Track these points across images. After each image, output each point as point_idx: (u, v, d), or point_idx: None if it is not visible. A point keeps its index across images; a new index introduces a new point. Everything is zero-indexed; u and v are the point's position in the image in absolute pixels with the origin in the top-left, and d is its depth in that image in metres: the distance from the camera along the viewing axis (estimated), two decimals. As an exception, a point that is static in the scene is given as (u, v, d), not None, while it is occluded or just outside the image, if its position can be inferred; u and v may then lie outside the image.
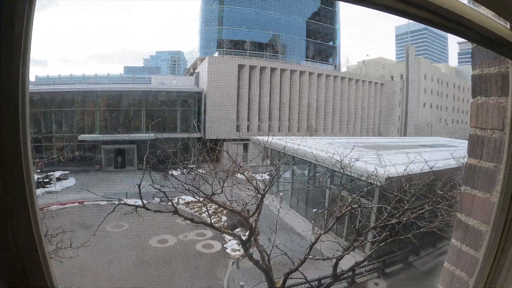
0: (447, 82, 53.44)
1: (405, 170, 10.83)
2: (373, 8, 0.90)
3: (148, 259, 13.84)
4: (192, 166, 11.93)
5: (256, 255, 8.91)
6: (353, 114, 43.74)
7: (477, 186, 1.44)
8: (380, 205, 10.31)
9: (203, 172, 10.12)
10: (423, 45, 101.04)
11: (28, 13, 0.62)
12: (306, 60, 44.77)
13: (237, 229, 15.02)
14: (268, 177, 19.77)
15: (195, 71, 39.94)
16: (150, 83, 37.84)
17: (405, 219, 9.10)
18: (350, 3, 0.87)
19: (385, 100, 46.47)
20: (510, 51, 1.12)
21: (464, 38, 1.05)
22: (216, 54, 40.31)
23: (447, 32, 1.00)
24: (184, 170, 11.20)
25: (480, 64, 1.41)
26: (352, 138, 32.90)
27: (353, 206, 9.25)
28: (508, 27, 1.06)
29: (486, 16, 0.99)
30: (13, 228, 0.71)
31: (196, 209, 18.99)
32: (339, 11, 48.99)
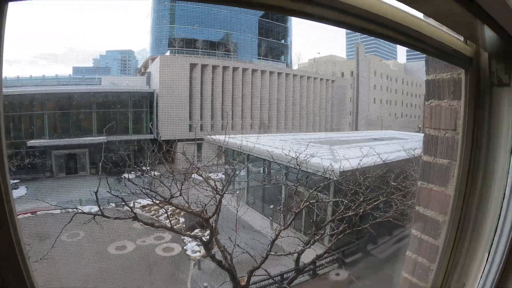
0: (396, 78, 56.19)
1: (358, 163, 11.24)
2: (331, 25, 0.93)
3: (108, 267, 13.36)
4: (147, 168, 11.71)
5: (219, 255, 8.93)
6: (306, 110, 44.55)
7: (432, 180, 1.59)
8: (337, 199, 10.66)
9: (159, 174, 9.99)
10: (373, 43, 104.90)
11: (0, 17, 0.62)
12: (259, 58, 45.08)
13: (196, 230, 14.97)
14: (223, 176, 19.79)
15: (147, 70, 38.98)
16: (100, 84, 36.35)
17: (361, 210, 9.48)
18: (306, 19, 0.89)
19: (336, 96, 47.80)
20: (464, 61, 1.26)
21: (424, 53, 1.18)
22: (167, 53, 39.57)
23: (408, 48, 1.11)
24: (139, 173, 10.96)
25: (433, 70, 1.55)
26: (305, 134, 33.55)
27: (311, 201, 9.50)
28: (462, 39, 1.20)
29: (442, 30, 1.11)
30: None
31: (153, 212, 18.64)
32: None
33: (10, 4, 0.63)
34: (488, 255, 1.30)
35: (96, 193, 7.16)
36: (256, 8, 0.85)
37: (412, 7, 0.94)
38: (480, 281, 1.33)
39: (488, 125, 1.31)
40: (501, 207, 1.27)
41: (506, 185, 1.25)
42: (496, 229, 1.28)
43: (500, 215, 1.27)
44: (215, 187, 9.22)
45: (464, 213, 1.39)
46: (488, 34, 1.16)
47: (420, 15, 1.03)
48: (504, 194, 1.25)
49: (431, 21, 1.09)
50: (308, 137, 26.11)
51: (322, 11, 0.85)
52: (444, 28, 1.13)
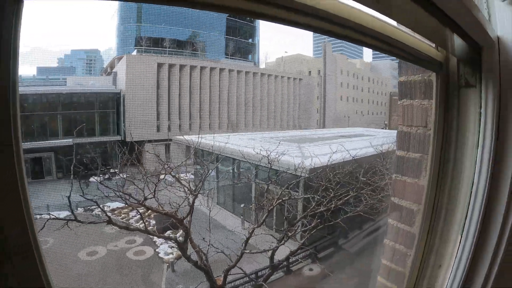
0: (362, 76, 57.57)
1: (328, 160, 11.50)
2: (299, 28, 0.95)
3: (80, 274, 12.98)
4: (115, 170, 11.52)
5: (194, 256, 8.94)
6: (273, 109, 44.85)
7: (406, 173, 1.73)
8: (308, 196, 10.87)
9: (128, 176, 9.87)
10: (340, 42, 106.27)
11: (17, 15, 0.64)
12: (226, 57, 44.93)
13: (168, 232, 14.83)
14: (193, 176, 19.64)
15: (113, 70, 37.99)
16: (65, 85, 35.12)
17: (332, 206, 9.74)
18: (277, 23, 0.90)
19: (303, 94, 48.38)
20: (435, 65, 1.41)
21: (397, 58, 1.30)
22: (134, 53, 38.73)
23: (382, 53, 1.23)
24: (108, 176, 10.77)
25: (406, 72, 1.69)
26: (274, 133, 33.75)
27: (283, 198, 9.67)
28: (434, 46, 1.34)
29: (415, 37, 1.24)
30: (7, 229, 0.72)
31: (123, 215, 18.29)
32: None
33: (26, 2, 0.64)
34: (461, 237, 1.46)
35: (69, 197, 7.02)
36: (208, 9, 0.82)
37: (386, 15, 1.03)
38: (455, 262, 1.48)
39: (457, 123, 1.46)
40: (470, 194, 1.42)
41: (474, 175, 1.40)
42: (467, 214, 1.43)
43: (469, 202, 1.42)
44: (188, 187, 9.22)
45: (437, 202, 1.54)
46: (457, 41, 1.31)
47: (394, 22, 1.14)
48: (473, 182, 1.41)
49: (404, 28, 1.19)
50: (277, 136, 26.32)
51: (286, 13, 0.87)
52: (417, 35, 1.25)
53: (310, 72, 51.35)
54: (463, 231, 1.45)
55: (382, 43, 1.15)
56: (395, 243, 1.79)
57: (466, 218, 1.44)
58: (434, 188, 1.53)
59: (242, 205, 18.05)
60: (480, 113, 1.36)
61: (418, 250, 1.59)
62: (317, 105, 50.23)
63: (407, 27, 1.18)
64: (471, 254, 1.43)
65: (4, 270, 0.73)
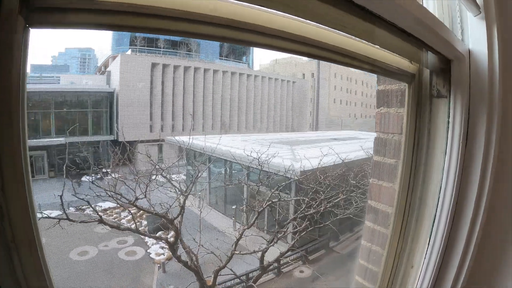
0: (356, 80, 57.69)
1: (319, 163, 11.58)
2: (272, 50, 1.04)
3: (71, 275, 12.92)
4: (108, 170, 11.50)
5: (184, 257, 8.97)
6: (266, 111, 44.84)
7: (382, 177, 1.82)
8: (298, 198, 10.96)
9: (120, 176, 9.87)
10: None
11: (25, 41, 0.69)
12: (220, 59, 44.85)
13: (159, 232, 14.80)
14: (185, 177, 19.63)
15: (107, 69, 37.70)
16: (59, 83, 34.79)
17: (322, 208, 9.82)
18: (275, 51, 1.02)
19: (297, 97, 48.43)
20: (408, 77, 1.51)
21: (373, 73, 1.39)
22: (129, 52, 38.51)
23: (356, 69, 1.31)
24: (100, 175, 10.76)
25: (383, 81, 1.78)
26: (267, 135, 33.77)
27: (273, 200, 9.75)
28: (408, 60, 1.43)
29: (389, 53, 1.32)
30: (10, 228, 0.77)
31: (115, 215, 18.21)
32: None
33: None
34: (429, 239, 1.54)
35: (61, 196, 7.03)
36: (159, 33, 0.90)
37: (363, 40, 1.15)
38: (425, 261, 1.56)
39: (428, 130, 1.54)
40: (439, 198, 1.51)
41: (441, 180, 1.49)
42: (435, 218, 1.52)
43: (438, 204, 1.51)
44: (179, 188, 9.26)
45: (409, 204, 1.62)
46: (430, 56, 1.41)
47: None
48: (441, 187, 1.49)
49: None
50: (269, 138, 26.35)
51: (254, 37, 0.96)
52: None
53: (304, 75, 51.45)
54: (431, 234, 1.53)
55: (352, 60, 1.22)
56: (372, 244, 1.87)
57: (434, 222, 1.52)
58: (406, 192, 1.61)
59: (233, 207, 18.06)
60: (448, 121, 1.44)
61: (391, 251, 1.67)
62: (310, 108, 50.37)
63: (381, 47, 1.27)
64: (439, 257, 1.51)
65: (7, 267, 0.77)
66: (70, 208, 12.25)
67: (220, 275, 8.91)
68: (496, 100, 1.37)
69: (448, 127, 1.45)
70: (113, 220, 16.69)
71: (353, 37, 1.12)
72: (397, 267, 1.69)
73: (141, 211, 15.26)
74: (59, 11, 0.71)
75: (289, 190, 13.91)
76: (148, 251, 15.44)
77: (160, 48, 39.94)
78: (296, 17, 0.95)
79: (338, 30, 1.04)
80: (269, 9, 0.90)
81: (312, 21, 0.99)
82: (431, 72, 1.48)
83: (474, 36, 1.39)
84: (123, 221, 16.87)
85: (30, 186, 0.80)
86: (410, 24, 1.10)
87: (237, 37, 0.94)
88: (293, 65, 51.73)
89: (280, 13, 0.92)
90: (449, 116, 1.44)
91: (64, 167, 8.37)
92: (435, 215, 1.52)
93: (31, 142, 26.43)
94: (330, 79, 50.84)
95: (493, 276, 1.62)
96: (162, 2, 0.78)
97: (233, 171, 19.32)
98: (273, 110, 45.43)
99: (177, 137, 15.93)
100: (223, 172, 20.74)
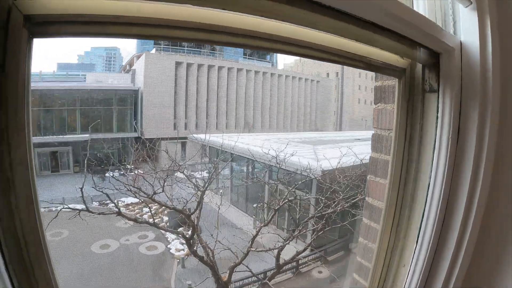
0: (381, 80, 56.74)
1: (338, 163, 11.46)
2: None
3: (93, 266, 13.27)
4: (131, 166, 11.77)
5: (201, 252, 9.07)
6: (290, 110, 44.68)
7: (379, 174, 1.79)
8: (315, 197, 10.90)
9: (142, 172, 10.10)
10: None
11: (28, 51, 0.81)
12: (244, 58, 44.93)
13: (180, 228, 15.00)
14: (207, 175, 19.85)
15: (132, 68, 38.48)
16: (85, 81, 35.70)
17: (339, 208, 9.73)
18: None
19: (321, 96, 48.08)
20: (398, 72, 1.49)
21: (360, 69, 1.37)
22: (153, 51, 39.11)
23: (350, 67, 1.31)
24: (123, 171, 11.02)
25: (381, 78, 1.75)
26: (289, 134, 33.62)
27: (289, 198, 9.73)
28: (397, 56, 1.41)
29: (375, 48, 1.31)
30: (18, 225, 0.83)
31: (137, 210, 18.60)
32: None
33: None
34: (418, 237, 1.51)
35: (81, 188, 7.26)
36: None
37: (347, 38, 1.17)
38: (413, 261, 1.53)
39: (420, 126, 1.51)
40: (427, 196, 1.47)
41: (430, 176, 1.45)
42: (423, 215, 1.48)
43: (426, 202, 1.48)
44: (196, 184, 9.39)
45: (400, 201, 1.59)
46: (422, 52, 1.38)
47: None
48: (429, 184, 1.46)
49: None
50: (293, 137, 26.27)
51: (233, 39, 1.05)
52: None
53: (328, 74, 51.01)
54: (419, 232, 1.50)
55: (339, 58, 1.26)
56: (368, 241, 1.85)
57: (422, 220, 1.49)
58: (397, 187, 1.58)
59: (255, 205, 18.11)
60: (437, 116, 1.41)
61: (382, 247, 1.64)
62: (334, 107, 49.87)
63: (371, 45, 1.27)
64: (428, 256, 1.48)
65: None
66: (93, 202, 12.57)
67: (235, 271, 8.96)
68: (490, 93, 1.33)
69: (437, 122, 1.42)
70: (135, 215, 17.05)
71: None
72: (389, 265, 1.66)
73: (163, 208, 15.59)
74: (56, 24, 0.85)
75: (309, 189, 13.84)
76: (168, 246, 15.75)
77: (184, 47, 40.32)
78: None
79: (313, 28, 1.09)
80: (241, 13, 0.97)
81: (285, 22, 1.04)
82: (423, 67, 1.45)
83: (465, 27, 1.35)
84: (145, 216, 17.21)
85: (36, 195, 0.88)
86: (387, 21, 1.10)
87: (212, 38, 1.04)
88: (318, 64, 51.30)
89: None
90: (438, 111, 1.41)
91: (86, 162, 8.61)
92: (423, 214, 1.49)
93: (57, 139, 27.28)
94: (354, 79, 50.13)
95: (493, 276, 1.57)
96: (146, 12, 0.91)
97: (255, 170, 19.35)
98: (296, 109, 45.23)
99: (200, 135, 16.11)
100: (245, 170, 20.82)
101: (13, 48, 0.76)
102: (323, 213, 9.72)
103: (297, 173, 12.84)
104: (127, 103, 33.03)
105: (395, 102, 1.54)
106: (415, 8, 1.41)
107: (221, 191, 19.53)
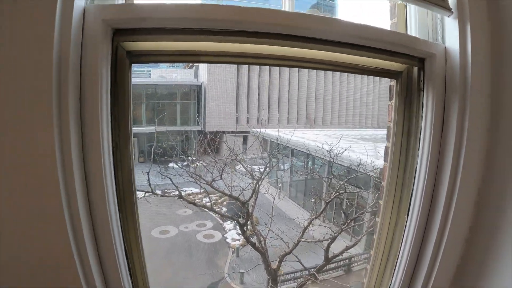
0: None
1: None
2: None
3: (151, 250, 13.90)
4: (193, 158, 12.30)
5: (254, 239, 9.44)
6: (352, 106, 43.61)
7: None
8: (364, 190, 10.84)
9: (204, 163, 10.66)
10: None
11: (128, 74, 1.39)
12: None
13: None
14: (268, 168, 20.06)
15: (194, 64, 39.56)
16: (150, 77, 37.69)
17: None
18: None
19: (383, 93, 46.41)
20: (396, 75, 1.79)
21: (359, 74, 1.68)
22: (216, 47, 39.82)
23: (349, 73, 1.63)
24: (186, 162, 11.63)
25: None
26: (350, 130, 32.91)
27: (340, 192, 9.79)
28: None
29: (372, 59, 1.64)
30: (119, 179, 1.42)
31: (197, 200, 19.35)
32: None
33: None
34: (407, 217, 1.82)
35: (148, 173, 8.08)
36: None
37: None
38: (400, 251, 1.85)
39: (416, 119, 1.79)
40: (414, 181, 1.78)
41: (416, 165, 1.77)
42: (411, 192, 1.79)
43: (414, 182, 1.78)
44: (251, 173, 9.80)
45: (400, 187, 1.90)
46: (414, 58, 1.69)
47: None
48: (416, 167, 1.76)
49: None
50: (353, 133, 25.78)
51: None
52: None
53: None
54: (407, 220, 1.82)
55: (337, 67, 1.65)
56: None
57: (411, 198, 1.81)
58: (395, 177, 1.89)
59: (313, 200, 18.08)
60: (422, 111, 1.71)
61: (380, 242, 1.96)
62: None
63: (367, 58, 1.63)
64: (412, 247, 1.79)
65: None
66: (157, 191, 13.49)
67: (285, 260, 9.23)
68: (469, 93, 1.58)
69: (422, 116, 1.71)
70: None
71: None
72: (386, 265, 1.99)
73: (222, 199, 16.11)
74: (147, 55, 1.42)
75: (368, 187, 13.65)
76: (224, 235, 16.33)
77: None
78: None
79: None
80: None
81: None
82: (418, 69, 1.73)
83: (448, 34, 1.64)
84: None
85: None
86: (378, 44, 1.55)
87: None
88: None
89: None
90: (422, 107, 1.69)
91: (152, 150, 9.33)
92: (411, 193, 1.79)
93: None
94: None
95: (484, 275, 1.72)
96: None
97: (315, 165, 19.27)
98: (358, 105, 43.96)
99: (261, 130, 16.38)
100: (304, 165, 20.77)
101: (120, 70, 1.33)
102: (374, 209, 9.71)
103: (351, 168, 12.65)
104: (190, 97, 34.33)
105: (393, 99, 1.83)
106: (408, 21, 1.72)
107: (280, 184, 19.65)
